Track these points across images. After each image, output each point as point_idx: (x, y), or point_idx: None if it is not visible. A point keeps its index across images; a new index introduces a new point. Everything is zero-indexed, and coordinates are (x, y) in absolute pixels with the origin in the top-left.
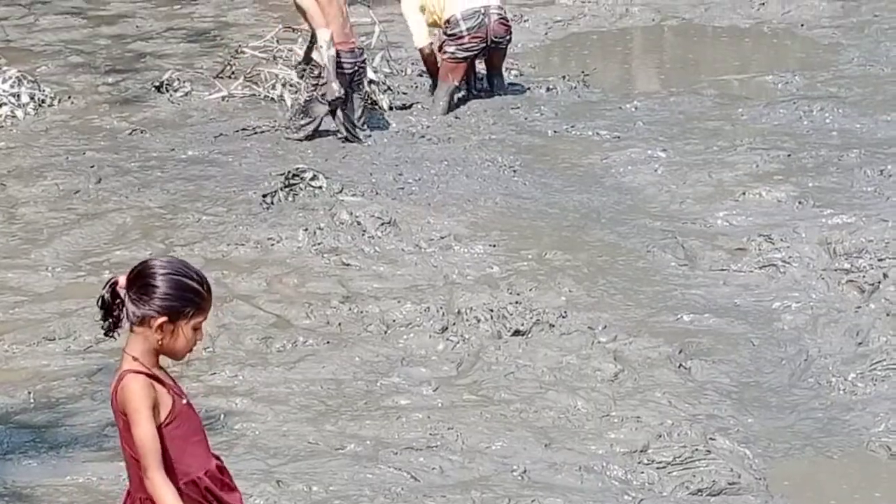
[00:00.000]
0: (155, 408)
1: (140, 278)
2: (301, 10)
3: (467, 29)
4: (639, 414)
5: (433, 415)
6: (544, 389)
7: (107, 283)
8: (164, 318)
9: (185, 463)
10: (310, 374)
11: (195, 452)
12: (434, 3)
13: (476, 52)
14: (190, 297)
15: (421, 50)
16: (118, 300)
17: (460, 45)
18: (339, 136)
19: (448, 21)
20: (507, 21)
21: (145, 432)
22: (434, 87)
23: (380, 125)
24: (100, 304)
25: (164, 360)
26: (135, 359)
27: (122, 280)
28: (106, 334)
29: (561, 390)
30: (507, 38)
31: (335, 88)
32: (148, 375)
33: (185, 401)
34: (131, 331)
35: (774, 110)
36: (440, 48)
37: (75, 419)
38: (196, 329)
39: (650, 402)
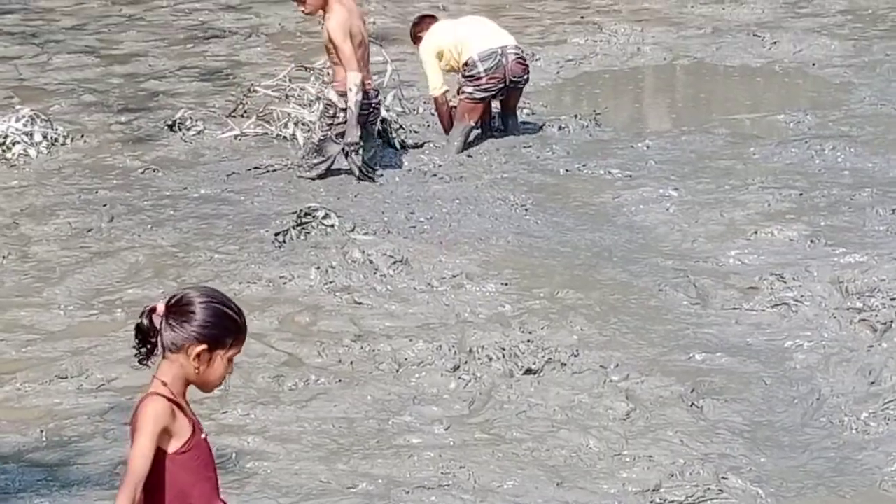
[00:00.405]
0: (167, 433)
1: (180, 306)
2: (333, 48)
3: (485, 70)
4: (651, 453)
5: (445, 453)
6: (556, 428)
7: (144, 309)
8: (203, 346)
9: (193, 496)
10: (322, 413)
11: (204, 488)
12: (451, 47)
13: (494, 93)
14: (229, 327)
15: (435, 99)
16: (155, 327)
17: (478, 85)
18: (352, 175)
19: (466, 63)
20: (525, 61)
21: (141, 452)
22: (447, 132)
23: (392, 164)
24: (136, 330)
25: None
26: (164, 384)
27: (161, 307)
28: (140, 362)
29: (573, 429)
30: (525, 77)
31: (354, 134)
32: (171, 402)
33: (203, 435)
34: (164, 357)
35: (786, 149)
36: (458, 90)
37: (87, 458)
38: (230, 361)
39: (662, 440)
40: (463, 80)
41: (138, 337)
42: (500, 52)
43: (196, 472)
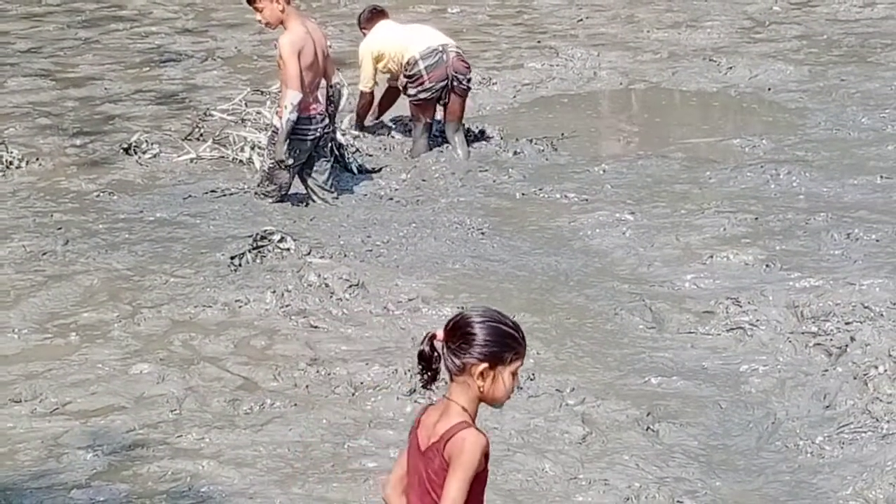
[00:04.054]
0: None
1: (458, 329)
2: (281, 66)
3: (425, 68)
4: (606, 477)
5: None
6: (512, 452)
7: (425, 337)
8: (485, 365)
9: None
10: (277, 437)
11: None
12: (394, 49)
13: (438, 92)
14: (508, 343)
15: (362, 93)
16: (436, 353)
17: (421, 86)
18: (308, 199)
19: (408, 63)
20: (467, 60)
21: (461, 492)
22: (360, 127)
23: (348, 187)
24: (420, 357)
25: None
26: (464, 409)
27: (440, 333)
28: (424, 387)
29: (529, 453)
30: (469, 76)
31: (281, 151)
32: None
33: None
34: (452, 380)
35: (742, 174)
36: (404, 89)
37: (41, 481)
38: (514, 374)
39: (618, 464)
40: (406, 80)
41: (421, 363)
42: (440, 49)
43: (478, 495)
